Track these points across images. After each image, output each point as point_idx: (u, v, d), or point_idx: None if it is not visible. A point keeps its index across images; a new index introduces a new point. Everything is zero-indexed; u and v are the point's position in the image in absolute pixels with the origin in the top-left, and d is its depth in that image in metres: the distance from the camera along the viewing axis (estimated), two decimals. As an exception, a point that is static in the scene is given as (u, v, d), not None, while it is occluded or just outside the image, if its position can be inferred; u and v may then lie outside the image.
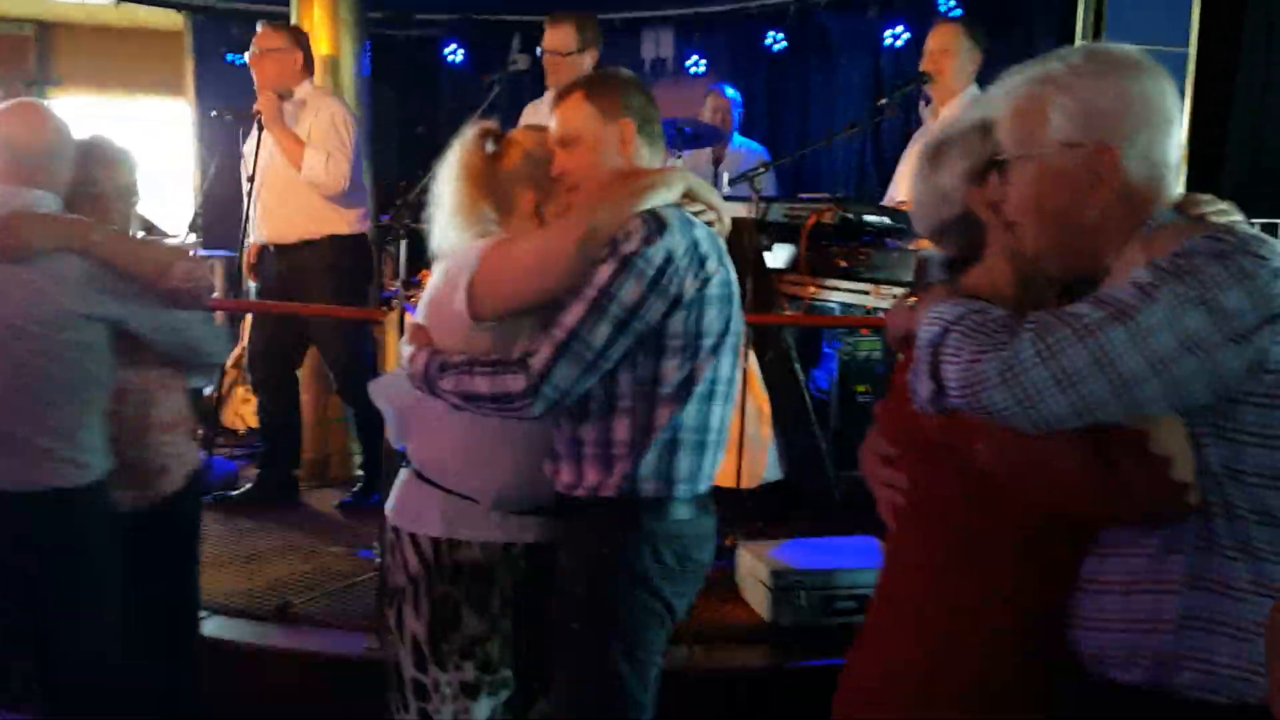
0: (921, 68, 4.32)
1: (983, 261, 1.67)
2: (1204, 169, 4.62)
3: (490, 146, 2.28)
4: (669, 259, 2.02)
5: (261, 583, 3.77)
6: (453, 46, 7.45)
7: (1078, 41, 4.65)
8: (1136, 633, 1.42)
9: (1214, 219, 1.49)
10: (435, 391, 2.11)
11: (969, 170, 1.65)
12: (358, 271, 4.70)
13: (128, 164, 2.64)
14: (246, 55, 4.57)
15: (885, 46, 6.25)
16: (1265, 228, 3.82)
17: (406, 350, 2.19)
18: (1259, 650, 1.34)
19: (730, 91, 5.88)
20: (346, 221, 4.59)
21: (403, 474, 2.32)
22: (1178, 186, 1.50)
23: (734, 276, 2.18)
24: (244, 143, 4.66)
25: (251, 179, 4.46)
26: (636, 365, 2.06)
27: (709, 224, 2.16)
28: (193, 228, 5.68)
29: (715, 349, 2.11)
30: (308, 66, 4.60)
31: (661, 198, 2.08)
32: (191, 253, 2.58)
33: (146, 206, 2.71)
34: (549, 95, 4.09)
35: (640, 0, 7.06)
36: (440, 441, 2.24)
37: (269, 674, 3.35)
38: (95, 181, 2.55)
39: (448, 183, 2.27)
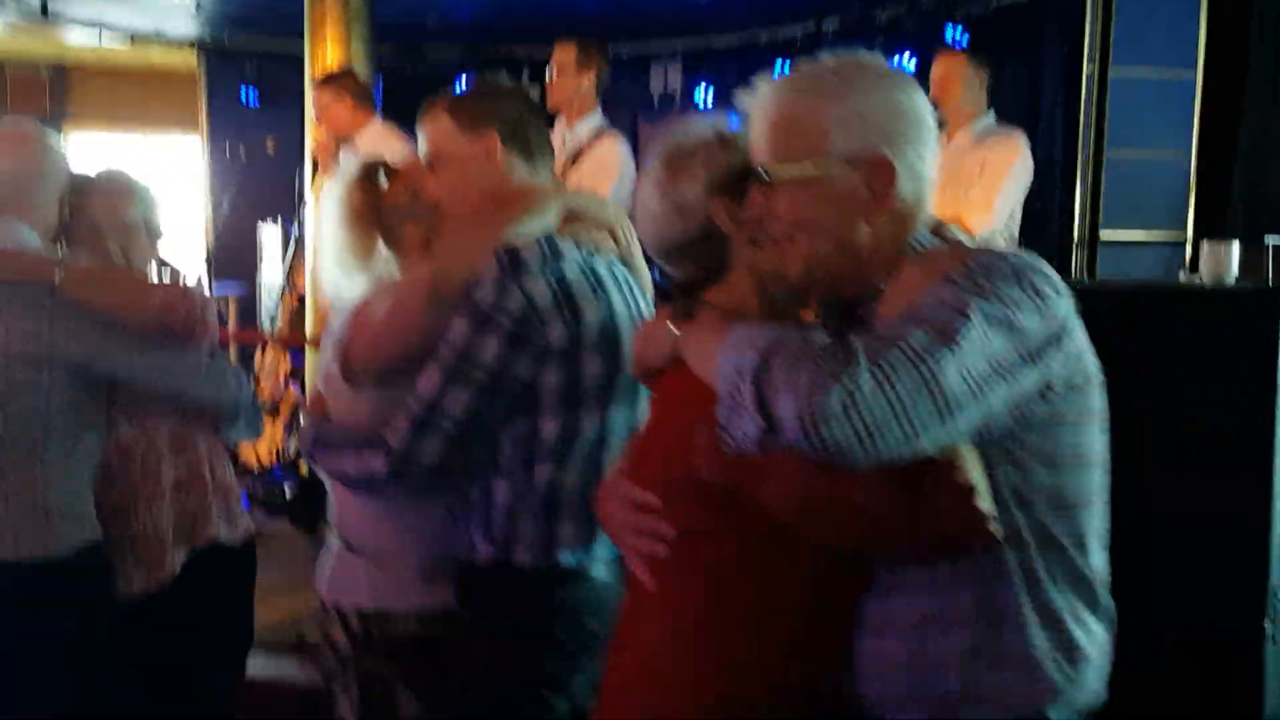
0: (929, 97, 4.33)
1: (727, 279, 1.53)
2: (1211, 191, 4.62)
3: (382, 179, 2.04)
4: (530, 306, 1.77)
5: (277, 615, 3.76)
6: (464, 79, 7.51)
7: (1085, 68, 4.66)
8: (922, 673, 1.34)
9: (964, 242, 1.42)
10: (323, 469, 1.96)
11: (712, 182, 1.51)
12: None
13: (133, 198, 2.36)
14: (312, 118, 4.64)
15: (892, 75, 6.24)
16: (1275, 250, 3.81)
17: (305, 422, 2.04)
18: (1042, 679, 1.31)
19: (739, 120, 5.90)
20: None
21: (333, 544, 2.07)
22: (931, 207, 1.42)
23: (631, 308, 1.91)
24: (309, 186, 4.74)
25: (300, 221, 4.49)
26: (513, 423, 1.83)
27: (600, 246, 1.91)
28: (206, 262, 5.75)
29: (601, 399, 1.84)
30: (363, 107, 4.59)
31: (528, 227, 1.81)
32: (190, 286, 2.30)
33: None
34: (559, 121, 4.12)
35: (649, 32, 7.12)
36: (360, 506, 1.99)
37: (284, 708, 3.34)
38: (87, 215, 2.30)
39: (329, 225, 2.03)
